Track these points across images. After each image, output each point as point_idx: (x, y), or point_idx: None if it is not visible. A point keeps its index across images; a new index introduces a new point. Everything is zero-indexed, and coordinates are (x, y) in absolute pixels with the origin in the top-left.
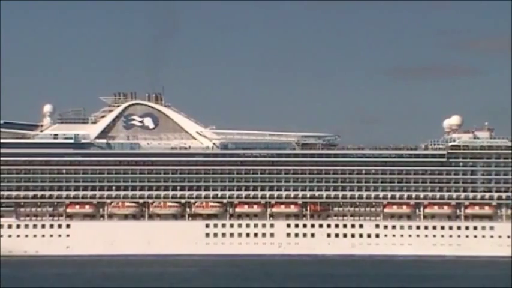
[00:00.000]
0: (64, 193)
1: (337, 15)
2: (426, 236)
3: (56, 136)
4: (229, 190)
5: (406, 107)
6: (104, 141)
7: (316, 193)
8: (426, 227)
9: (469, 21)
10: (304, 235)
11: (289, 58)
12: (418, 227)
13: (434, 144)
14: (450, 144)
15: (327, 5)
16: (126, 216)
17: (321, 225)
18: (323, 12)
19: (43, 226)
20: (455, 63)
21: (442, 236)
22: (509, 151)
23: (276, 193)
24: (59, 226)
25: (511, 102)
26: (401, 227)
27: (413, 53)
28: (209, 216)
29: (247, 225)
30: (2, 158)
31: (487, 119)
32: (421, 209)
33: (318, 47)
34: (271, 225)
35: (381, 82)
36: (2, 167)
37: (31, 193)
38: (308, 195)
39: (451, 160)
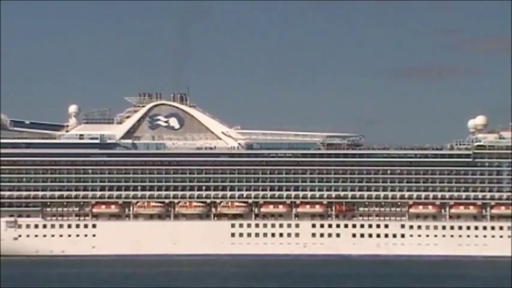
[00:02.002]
0: (90, 193)
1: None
2: (452, 236)
3: (81, 136)
4: (255, 190)
5: (425, 107)
6: (130, 141)
7: (342, 193)
8: (452, 227)
9: (470, 22)
10: (330, 235)
11: (314, 58)
12: (443, 227)
13: (460, 144)
14: (476, 144)
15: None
16: (151, 216)
17: (346, 225)
18: (338, 12)
19: (69, 226)
20: (459, 63)
21: (468, 236)
22: None
23: (301, 193)
24: (85, 226)
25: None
26: (427, 227)
27: (418, 54)
28: (234, 216)
29: (273, 225)
30: (28, 158)
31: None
32: (447, 209)
33: (331, 48)
34: (297, 225)
35: (388, 83)
36: (28, 167)
37: (57, 193)
38: (333, 195)
39: (476, 160)
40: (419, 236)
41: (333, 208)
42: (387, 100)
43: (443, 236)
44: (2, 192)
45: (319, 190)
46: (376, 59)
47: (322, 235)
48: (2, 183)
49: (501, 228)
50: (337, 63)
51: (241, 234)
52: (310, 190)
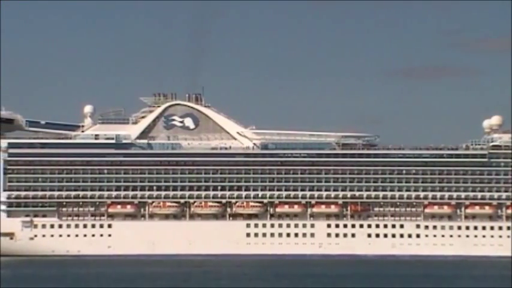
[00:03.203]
0: (105, 193)
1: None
2: (467, 236)
3: (97, 136)
4: (270, 190)
5: (439, 108)
6: (145, 141)
7: (357, 193)
8: (467, 227)
9: (470, 22)
10: (345, 235)
11: (325, 58)
12: (459, 227)
13: (476, 144)
14: (491, 144)
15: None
16: (167, 216)
17: (361, 225)
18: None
19: (85, 226)
20: (463, 63)
21: (483, 236)
22: None
23: (316, 193)
24: (101, 226)
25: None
26: (442, 227)
27: (424, 53)
28: (250, 216)
29: (288, 225)
30: (44, 158)
31: None
32: (462, 209)
33: (341, 48)
34: (312, 225)
35: (392, 83)
36: (44, 167)
37: (73, 193)
38: (348, 195)
39: (492, 160)
40: (434, 236)
41: (348, 208)
42: (399, 100)
43: (459, 236)
44: (18, 192)
45: (334, 190)
46: (383, 59)
47: (337, 235)
48: (18, 183)
49: None
50: (346, 64)
51: (256, 234)
52: (326, 190)
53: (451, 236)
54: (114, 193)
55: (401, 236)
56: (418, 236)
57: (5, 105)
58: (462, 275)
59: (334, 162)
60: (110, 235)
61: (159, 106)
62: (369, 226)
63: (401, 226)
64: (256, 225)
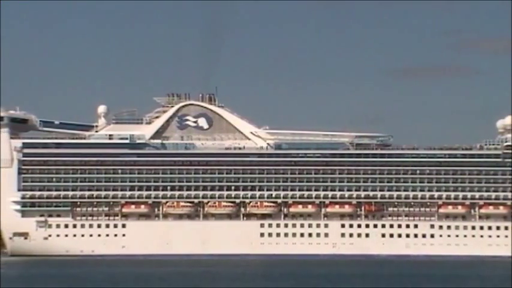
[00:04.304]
0: (119, 193)
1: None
2: (481, 236)
3: (111, 136)
4: (284, 190)
5: (454, 107)
6: (159, 141)
7: (371, 193)
8: (481, 227)
9: (471, 22)
10: (359, 235)
11: (337, 59)
12: (473, 227)
13: (490, 144)
14: (505, 144)
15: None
16: (181, 216)
17: (375, 225)
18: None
19: (99, 226)
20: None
21: (498, 236)
22: None
23: (330, 193)
24: (115, 226)
25: None
26: (457, 227)
27: (426, 53)
28: (263, 216)
29: (302, 225)
30: (58, 158)
31: None
32: (476, 209)
33: (350, 49)
34: (326, 225)
35: (403, 82)
36: (58, 167)
37: (87, 193)
38: (362, 195)
39: (506, 160)
40: (448, 236)
41: (362, 208)
42: (411, 99)
43: (473, 236)
44: (32, 192)
45: (348, 190)
46: (383, 58)
47: (351, 235)
48: (32, 183)
49: None
50: (356, 64)
51: (270, 234)
52: (339, 190)
53: (465, 236)
54: (128, 193)
55: (416, 236)
56: (432, 236)
57: (19, 105)
58: (475, 275)
59: (348, 162)
60: (124, 235)
61: (172, 106)
62: (383, 226)
63: (416, 226)
64: (270, 225)
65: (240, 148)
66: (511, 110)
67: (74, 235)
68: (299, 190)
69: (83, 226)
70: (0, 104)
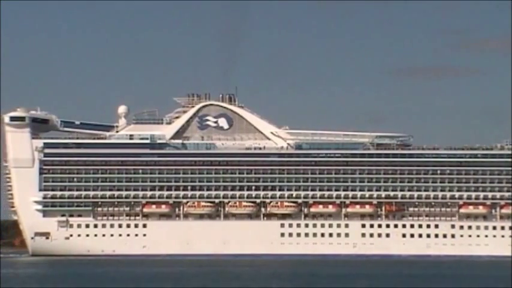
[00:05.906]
0: (140, 193)
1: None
2: (503, 236)
3: (131, 136)
4: (304, 190)
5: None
6: (179, 141)
7: (391, 193)
8: (503, 228)
9: (471, 22)
10: (379, 235)
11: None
12: (494, 228)
13: (510, 144)
14: None
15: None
16: (201, 216)
17: (396, 226)
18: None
19: (120, 226)
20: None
21: None
22: None
23: (350, 193)
24: (136, 226)
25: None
26: (478, 228)
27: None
28: (284, 216)
29: (322, 225)
30: (79, 158)
31: None
32: (497, 209)
33: (358, 49)
34: (346, 225)
35: (393, 82)
36: (79, 167)
37: (108, 193)
38: (383, 195)
39: None
40: (469, 236)
41: (383, 208)
42: (431, 100)
43: (494, 236)
44: (53, 192)
45: (368, 190)
46: (389, 58)
47: (372, 235)
48: (53, 183)
49: None
50: (374, 64)
51: (290, 234)
52: (360, 190)
53: (486, 236)
54: (149, 193)
55: (436, 236)
56: (453, 236)
57: (40, 105)
58: (496, 275)
59: (369, 162)
60: (144, 235)
61: (193, 106)
62: (404, 226)
63: (436, 226)
64: (290, 225)
65: (260, 148)
66: (511, 109)
67: (95, 235)
68: (319, 190)
69: (104, 226)
70: (21, 104)
